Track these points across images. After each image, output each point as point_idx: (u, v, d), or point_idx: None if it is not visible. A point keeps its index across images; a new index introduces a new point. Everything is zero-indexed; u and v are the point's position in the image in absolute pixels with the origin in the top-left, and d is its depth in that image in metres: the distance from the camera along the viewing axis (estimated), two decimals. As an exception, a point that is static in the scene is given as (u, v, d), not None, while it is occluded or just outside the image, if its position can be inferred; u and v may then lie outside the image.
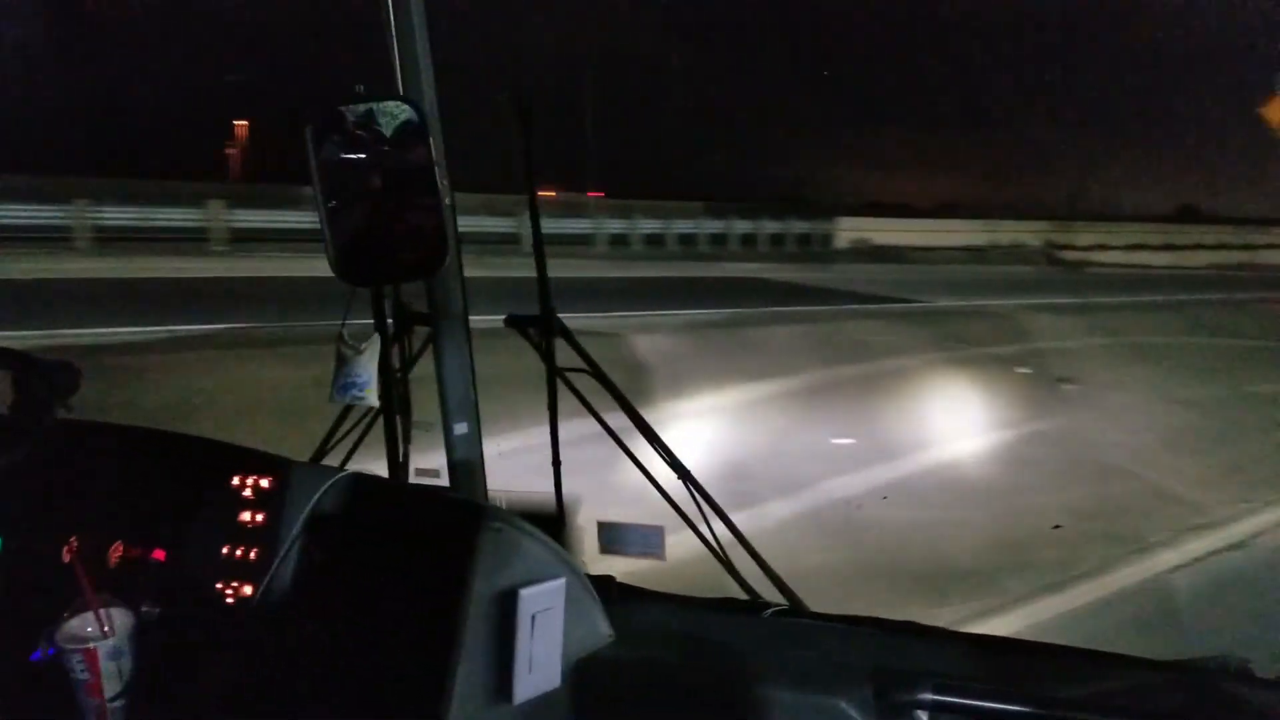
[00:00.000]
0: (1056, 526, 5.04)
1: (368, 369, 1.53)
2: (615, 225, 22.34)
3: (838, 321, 12.93)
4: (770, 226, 26.06)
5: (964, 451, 6.62)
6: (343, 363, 1.53)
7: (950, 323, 13.82)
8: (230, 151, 33.05)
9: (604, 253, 21.14)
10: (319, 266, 1.45)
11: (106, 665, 1.17)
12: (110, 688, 1.17)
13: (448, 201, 1.50)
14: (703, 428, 6.44)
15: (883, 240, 27.25)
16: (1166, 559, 4.87)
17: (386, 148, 1.42)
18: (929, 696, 1.12)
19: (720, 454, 5.59)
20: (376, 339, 1.55)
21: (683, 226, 23.87)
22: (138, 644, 1.20)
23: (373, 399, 1.55)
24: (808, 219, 27.27)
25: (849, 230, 27.63)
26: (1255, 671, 1.27)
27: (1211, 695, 1.23)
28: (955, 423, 7.30)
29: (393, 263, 1.51)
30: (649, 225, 22.59)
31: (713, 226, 24.79)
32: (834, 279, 18.97)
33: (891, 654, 1.31)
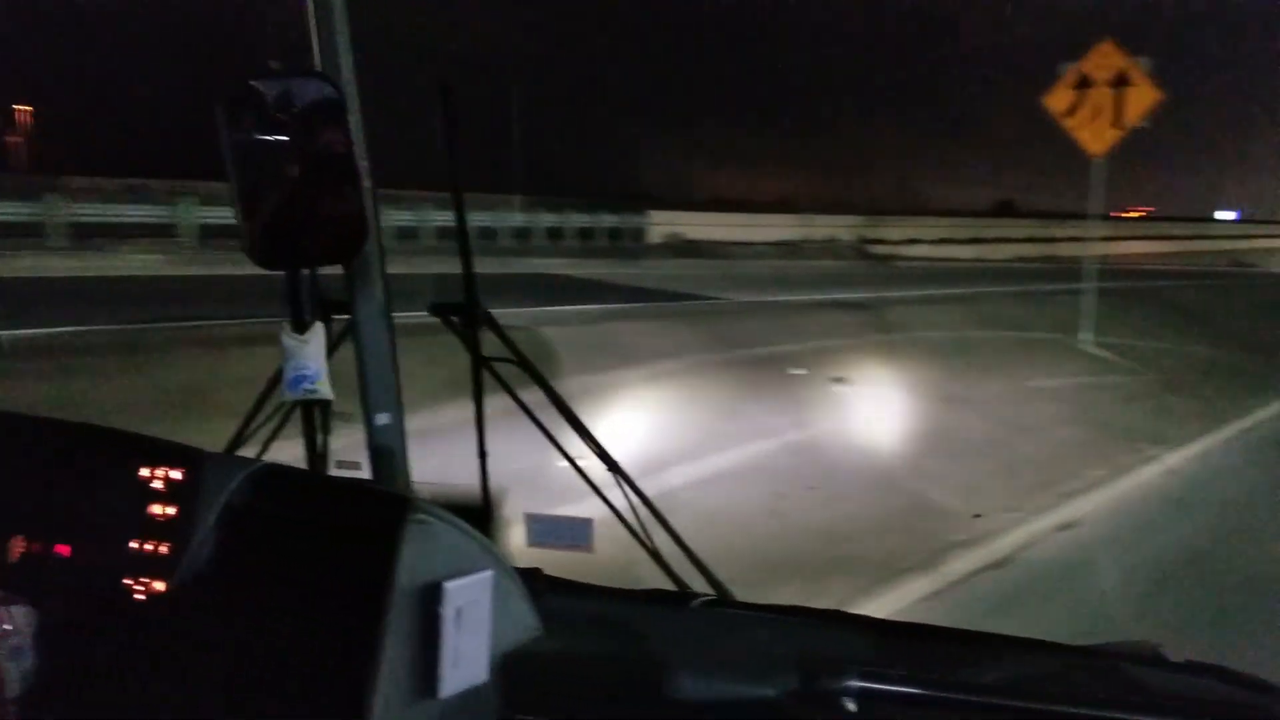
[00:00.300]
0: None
1: (317, 359, 1.50)
2: (406, 217, 21.34)
3: (610, 323, 12.16)
4: (578, 220, 25.17)
5: (702, 472, 5.82)
6: (290, 356, 1.49)
7: (740, 320, 13.42)
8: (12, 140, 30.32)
9: (392, 246, 19.91)
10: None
11: (7, 665, 1.13)
12: (11, 688, 1.14)
13: (368, 185, 1.47)
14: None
15: (696, 235, 26.90)
16: (917, 587, 4.36)
17: (303, 126, 1.38)
18: (856, 683, 1.12)
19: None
20: (320, 327, 1.51)
21: (481, 219, 22.71)
22: (41, 643, 1.16)
23: (326, 390, 1.52)
24: (618, 213, 26.57)
25: (662, 224, 27.15)
26: (1167, 656, 1.33)
27: (1125, 679, 1.29)
28: (700, 437, 6.50)
29: (310, 247, 1.45)
30: (441, 218, 21.36)
31: (516, 220, 23.67)
32: (636, 275, 18.70)
33: (819, 642, 1.33)
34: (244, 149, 1.38)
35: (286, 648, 1.09)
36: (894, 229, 33.30)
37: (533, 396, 1.78)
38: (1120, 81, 11.15)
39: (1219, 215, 56.56)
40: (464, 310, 1.69)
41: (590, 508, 1.70)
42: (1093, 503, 5.83)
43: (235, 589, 1.16)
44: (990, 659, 1.36)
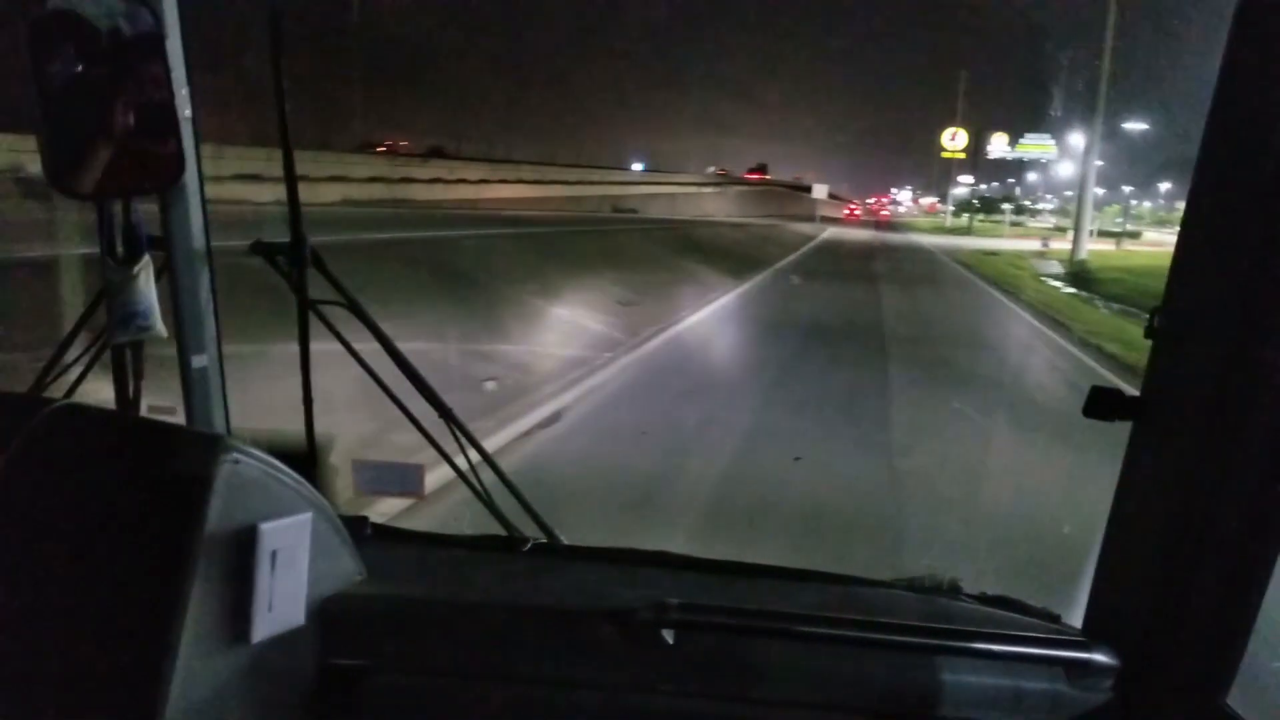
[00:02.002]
0: None
1: (146, 295, 1.41)
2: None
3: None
4: None
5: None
6: (115, 292, 1.39)
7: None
8: None
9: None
10: None
11: None
12: None
13: (188, 114, 1.42)
14: None
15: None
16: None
17: (115, 50, 1.30)
18: (674, 617, 1.18)
19: None
20: (149, 260, 1.44)
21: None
22: None
23: (160, 328, 1.45)
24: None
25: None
26: (964, 588, 1.45)
27: (927, 609, 1.39)
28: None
29: (121, 176, 1.35)
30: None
31: None
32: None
33: (643, 583, 1.36)
34: (50, 72, 1.29)
35: (87, 595, 1.05)
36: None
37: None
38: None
39: (635, 165, 61.41)
40: (289, 250, 1.60)
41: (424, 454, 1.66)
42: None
43: (33, 535, 1.11)
44: (800, 592, 1.44)
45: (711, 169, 65.54)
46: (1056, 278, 30.97)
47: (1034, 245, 43.59)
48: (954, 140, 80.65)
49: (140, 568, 1.04)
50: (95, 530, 1.09)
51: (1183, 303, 1.11)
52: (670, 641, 1.21)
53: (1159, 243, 49.55)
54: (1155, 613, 1.14)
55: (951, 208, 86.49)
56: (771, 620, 1.23)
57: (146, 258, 1.46)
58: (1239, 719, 1.06)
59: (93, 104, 1.33)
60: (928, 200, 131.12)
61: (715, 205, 59.05)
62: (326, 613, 1.21)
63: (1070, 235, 46.99)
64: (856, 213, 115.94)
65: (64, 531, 1.10)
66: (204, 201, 1.58)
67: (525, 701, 1.23)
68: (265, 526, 1.07)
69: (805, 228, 49.08)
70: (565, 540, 1.62)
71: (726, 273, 19.31)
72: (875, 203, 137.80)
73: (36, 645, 1.05)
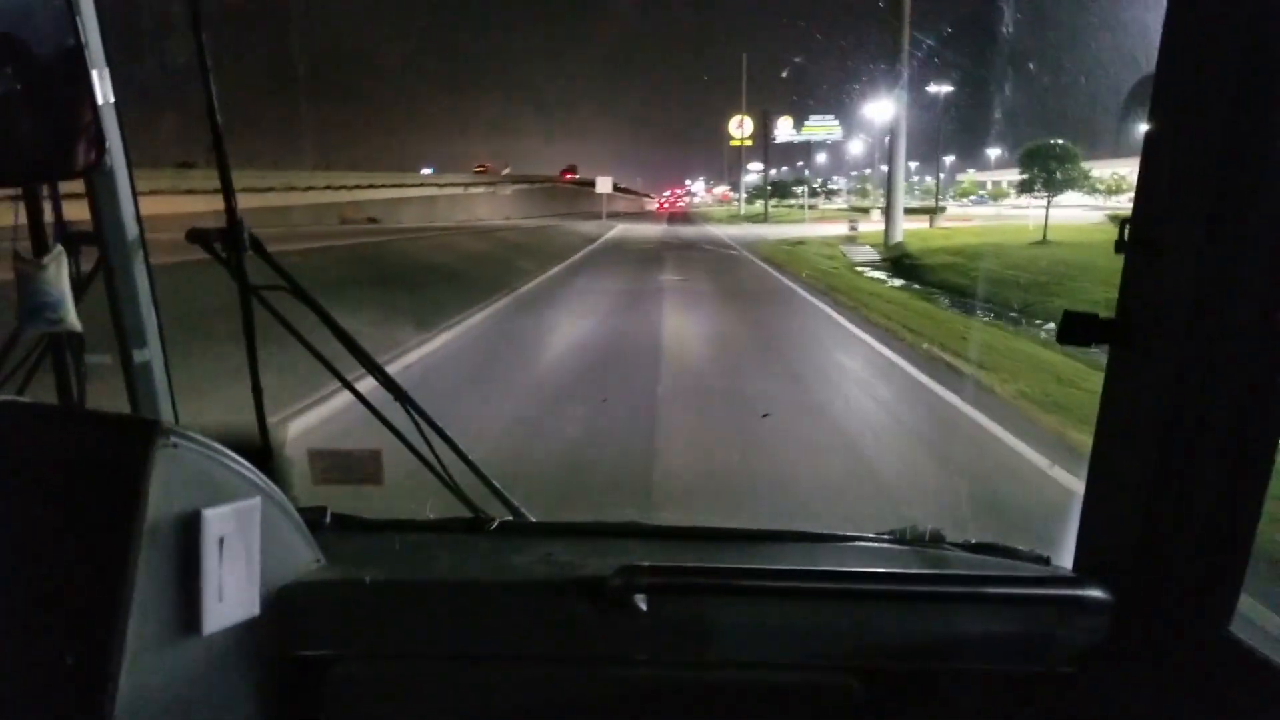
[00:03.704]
0: None
1: (57, 286, 1.37)
2: None
3: None
4: None
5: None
6: (25, 282, 1.36)
7: None
8: None
9: None
10: None
11: None
12: None
13: (111, 100, 1.39)
14: None
15: None
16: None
17: (23, 26, 1.25)
18: (646, 581, 1.15)
19: None
20: (61, 251, 1.40)
21: None
22: None
23: (73, 321, 1.41)
24: None
25: None
26: (946, 538, 1.43)
27: (913, 560, 1.38)
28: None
29: (38, 160, 1.30)
30: None
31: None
32: None
33: (613, 554, 1.29)
34: None
35: (30, 593, 1.00)
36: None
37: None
38: None
39: (424, 170, 60.09)
40: (227, 236, 1.49)
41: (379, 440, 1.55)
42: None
43: None
44: (777, 553, 1.44)
45: (484, 169, 57.22)
46: (876, 266, 26.22)
47: (840, 230, 38.92)
48: (740, 127, 78.42)
49: (82, 558, 1.00)
50: (36, 522, 1.04)
51: (1151, 214, 1.08)
52: (644, 608, 1.16)
53: (969, 216, 46.46)
54: (1147, 544, 1.13)
55: (745, 195, 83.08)
56: (749, 578, 1.19)
57: (59, 248, 1.40)
58: (1244, 646, 1.03)
59: (6, 86, 1.27)
60: (720, 189, 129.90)
61: (488, 207, 51.72)
62: (284, 602, 1.16)
63: (877, 217, 43.21)
64: (666, 206, 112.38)
65: (6, 525, 1.05)
66: (134, 192, 1.53)
67: (498, 680, 1.21)
68: (209, 512, 1.03)
69: (589, 226, 42.62)
70: (533, 518, 1.58)
71: (426, 317, 11.59)
72: (670, 195, 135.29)
73: None
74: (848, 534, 1.46)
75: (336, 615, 1.20)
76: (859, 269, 25.68)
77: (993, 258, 23.82)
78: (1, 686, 0.98)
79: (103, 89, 1.34)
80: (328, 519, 1.44)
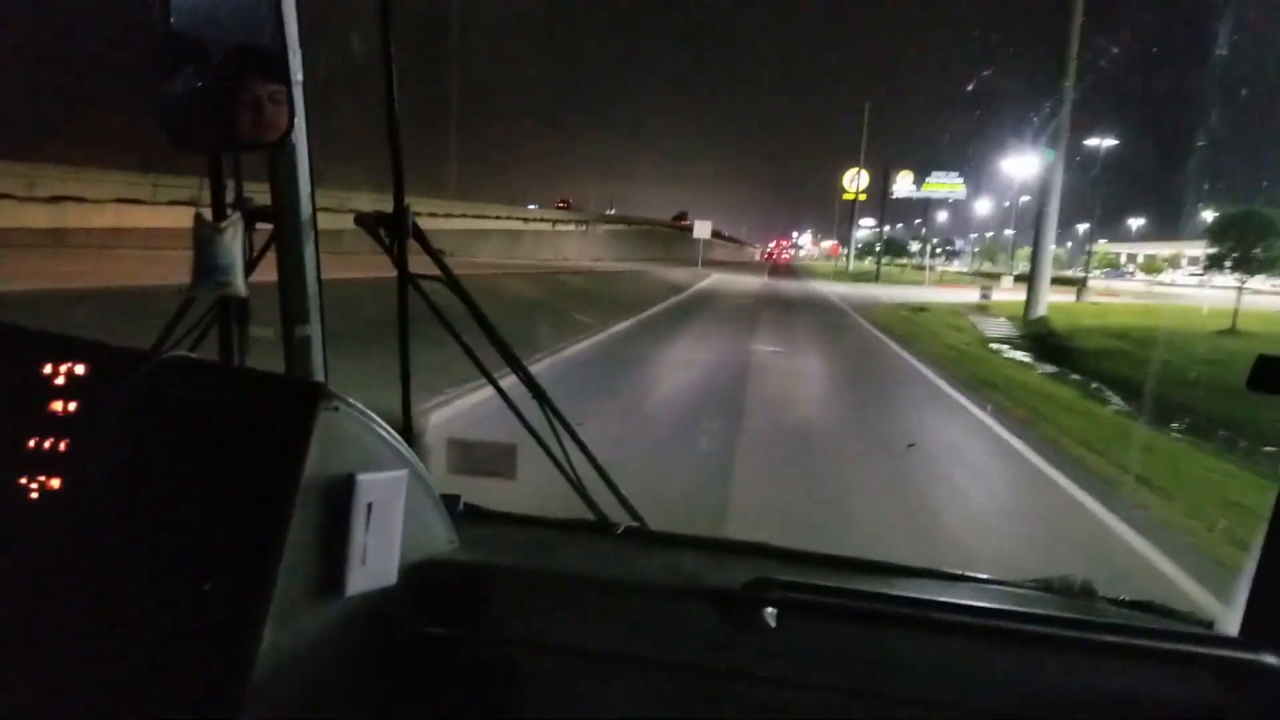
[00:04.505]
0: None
1: (231, 252, 1.38)
2: None
3: None
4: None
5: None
6: (202, 246, 1.37)
7: None
8: None
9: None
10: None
11: None
12: None
13: (299, 77, 1.37)
14: None
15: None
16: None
17: (236, 12, 1.34)
18: (778, 596, 1.10)
19: None
20: (239, 218, 1.40)
21: None
22: None
23: (240, 286, 1.40)
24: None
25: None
26: (1098, 590, 1.36)
27: (1053, 608, 1.30)
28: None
29: (230, 130, 1.34)
30: None
31: None
32: None
33: (740, 570, 1.24)
34: (163, 29, 1.30)
35: (187, 540, 1.04)
36: None
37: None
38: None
39: (530, 206, 56.54)
40: (391, 222, 1.50)
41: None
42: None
43: (137, 483, 1.10)
44: (916, 588, 1.33)
45: (565, 204, 53.77)
46: (1014, 344, 21.55)
47: (967, 297, 34.06)
48: (854, 181, 74.12)
49: (239, 512, 1.02)
50: (198, 473, 1.07)
51: None
52: (772, 624, 1.10)
53: (1114, 291, 40.75)
54: None
55: (856, 248, 78.27)
56: (887, 605, 1.10)
57: (236, 215, 1.41)
58: None
59: (203, 58, 1.32)
60: (828, 243, 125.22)
61: (577, 247, 48.45)
62: (418, 577, 1.18)
63: (1008, 285, 38.24)
64: (770, 257, 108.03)
65: (168, 475, 1.09)
66: (313, 171, 1.51)
67: (616, 680, 1.18)
68: (362, 478, 1.05)
69: (680, 274, 38.78)
70: (656, 528, 1.56)
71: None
72: (775, 245, 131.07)
73: (137, 586, 1.04)
74: (992, 578, 1.40)
75: (466, 597, 1.20)
76: (994, 347, 21.03)
77: (1170, 348, 18.92)
78: (151, 633, 1.01)
79: (294, 67, 1.32)
80: (460, 506, 1.46)
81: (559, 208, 51.21)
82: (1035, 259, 27.41)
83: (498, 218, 39.87)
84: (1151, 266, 53.70)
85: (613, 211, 72.33)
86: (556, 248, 45.71)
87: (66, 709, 1.03)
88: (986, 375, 13.69)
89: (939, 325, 23.59)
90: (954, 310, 28.49)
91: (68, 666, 1.04)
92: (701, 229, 47.91)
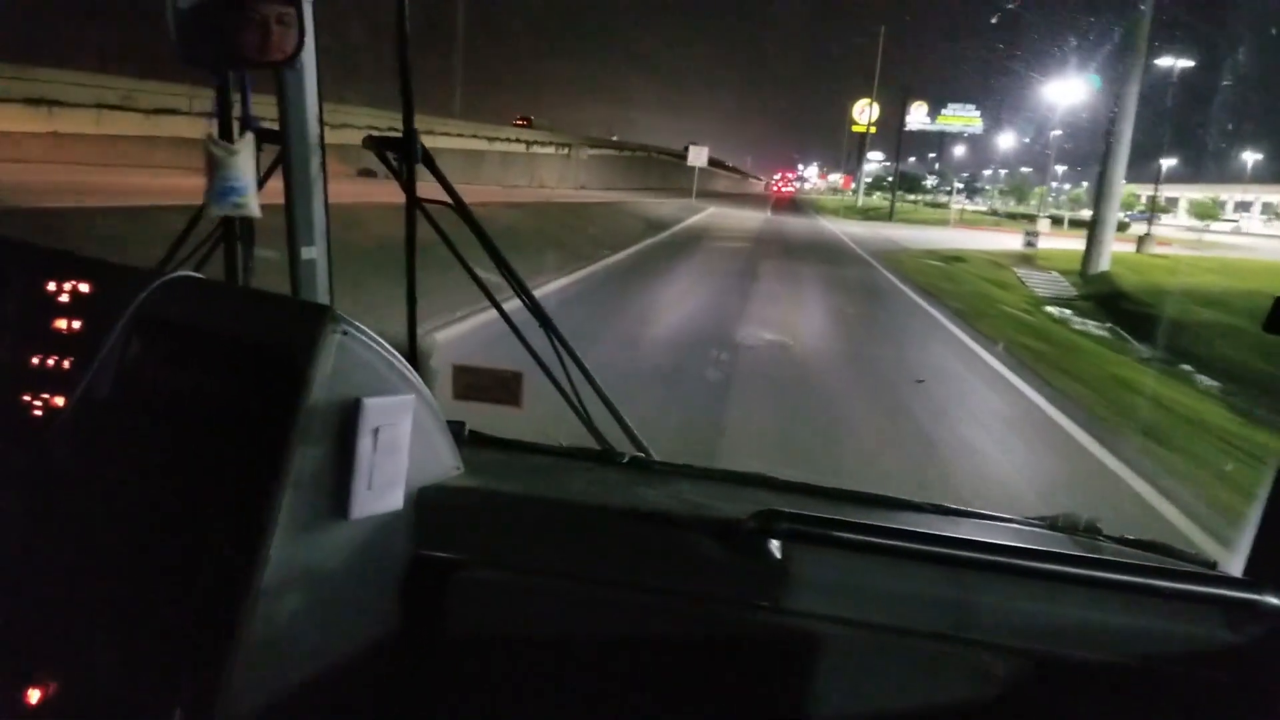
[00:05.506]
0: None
1: (245, 172, 1.41)
2: None
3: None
4: None
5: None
6: (215, 166, 1.40)
7: None
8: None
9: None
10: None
11: None
12: None
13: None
14: None
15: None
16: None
17: None
18: (784, 527, 1.11)
19: None
20: (250, 138, 1.42)
21: None
22: None
23: (254, 207, 1.44)
24: None
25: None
26: (1101, 528, 1.38)
27: (1058, 545, 1.33)
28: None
29: (243, 49, 1.34)
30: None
31: None
32: None
33: (745, 500, 1.28)
34: None
35: (190, 460, 1.04)
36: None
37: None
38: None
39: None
40: (401, 146, 1.50)
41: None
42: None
43: (142, 401, 1.10)
44: (921, 522, 1.34)
45: (525, 122, 46.59)
46: (1077, 308, 16.71)
47: (1004, 242, 28.91)
48: (864, 113, 68.59)
49: (244, 434, 1.01)
50: (204, 394, 1.07)
51: None
52: (778, 555, 1.12)
53: (1165, 239, 35.31)
54: None
55: (866, 182, 72.61)
56: (893, 538, 1.10)
57: (249, 136, 1.42)
58: None
59: None
60: (836, 177, 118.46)
61: (557, 173, 42.93)
62: (423, 501, 1.19)
63: (1046, 229, 32.96)
64: (776, 189, 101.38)
65: (173, 395, 1.09)
66: (320, 95, 1.48)
67: (617, 605, 1.17)
68: (369, 401, 1.05)
69: (669, 208, 33.45)
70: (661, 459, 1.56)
71: None
72: (780, 178, 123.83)
73: (143, 503, 1.05)
74: (997, 514, 1.43)
75: (471, 521, 1.21)
76: (1054, 312, 16.15)
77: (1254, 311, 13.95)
78: (157, 554, 1.01)
79: None
80: (466, 433, 1.45)
81: (517, 125, 44.74)
82: (1099, 200, 22.20)
83: (460, 135, 34.30)
84: (1204, 211, 48.04)
85: (615, 138, 66.14)
86: (531, 173, 40.20)
87: (76, 624, 1.02)
88: (1131, 397, 8.74)
89: (981, 282, 18.58)
90: (994, 260, 23.45)
91: (77, 584, 1.03)
92: (696, 156, 42.10)
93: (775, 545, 1.11)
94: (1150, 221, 34.22)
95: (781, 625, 1.12)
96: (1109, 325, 15.16)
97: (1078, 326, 14.86)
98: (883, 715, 1.11)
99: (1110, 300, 17.15)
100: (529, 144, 40.96)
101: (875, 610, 1.12)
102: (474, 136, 36.11)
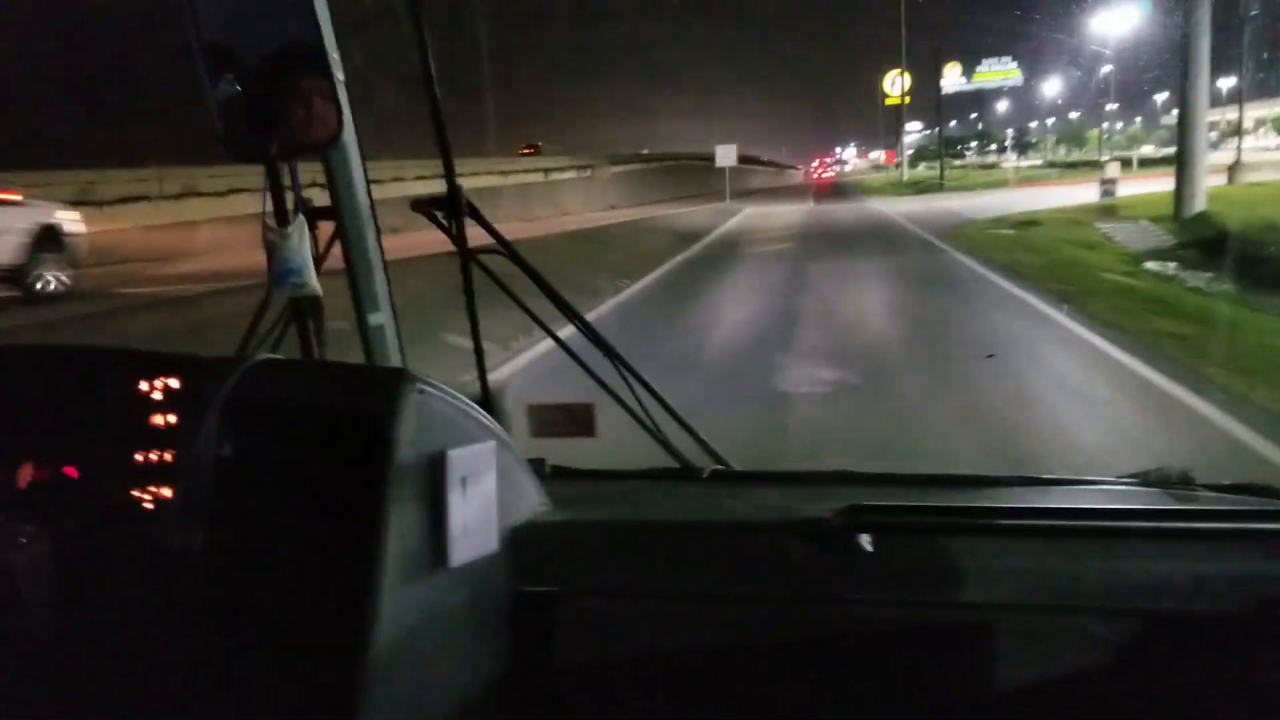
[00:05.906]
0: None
1: (300, 253, 1.45)
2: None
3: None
4: None
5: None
6: (273, 251, 1.45)
7: None
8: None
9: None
10: None
11: (26, 586, 1.13)
12: (32, 607, 1.13)
13: (341, 77, 1.43)
14: None
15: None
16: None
17: (269, 17, 1.36)
18: (871, 519, 1.12)
19: None
20: (302, 220, 1.47)
21: None
22: (56, 560, 1.15)
23: (314, 285, 1.48)
24: None
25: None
26: (1196, 479, 1.33)
27: (1158, 503, 1.29)
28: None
29: (285, 137, 1.39)
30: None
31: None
32: None
33: (829, 499, 1.24)
34: (212, 44, 1.34)
35: (294, 533, 1.07)
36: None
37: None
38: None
39: None
40: (447, 204, 1.54)
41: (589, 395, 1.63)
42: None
43: (239, 483, 1.12)
44: (1010, 496, 1.37)
45: (533, 150, 44.68)
46: (1187, 262, 14.06)
47: (1079, 195, 26.04)
48: (895, 84, 65.78)
49: (340, 501, 1.05)
50: (294, 472, 1.09)
51: None
52: (869, 549, 1.11)
53: (1256, 163, 31.85)
54: None
55: (909, 154, 69.39)
56: (982, 517, 1.14)
57: (300, 218, 1.47)
58: None
59: (252, 68, 1.35)
60: (876, 154, 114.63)
61: (583, 196, 41.02)
62: (516, 540, 1.22)
63: (1112, 171, 29.83)
64: (817, 177, 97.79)
65: (270, 473, 1.11)
66: (364, 165, 1.57)
67: (716, 618, 1.19)
68: (453, 453, 1.09)
69: (703, 215, 31.15)
70: (740, 468, 1.60)
71: None
72: (819, 164, 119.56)
73: (248, 586, 1.07)
74: (1085, 478, 1.43)
75: (564, 553, 1.23)
76: (1156, 268, 13.58)
77: None
78: (271, 628, 1.03)
79: (337, 69, 1.35)
80: (547, 469, 1.48)
81: (524, 154, 42.82)
82: (1184, 131, 19.36)
83: (473, 174, 32.58)
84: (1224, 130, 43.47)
85: (645, 152, 64.14)
86: (552, 200, 38.31)
87: (201, 703, 1.04)
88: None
89: (1066, 247, 15.97)
90: (1071, 219, 20.73)
91: (193, 666, 1.05)
92: (725, 155, 39.61)
93: (865, 539, 1.10)
94: (1239, 148, 30.76)
95: (882, 618, 1.12)
96: (1214, 275, 12.57)
97: (1194, 284, 12.30)
98: (1002, 694, 1.09)
99: (1221, 246, 14.41)
100: (547, 171, 39.15)
101: (974, 591, 1.10)
102: (487, 174, 34.35)
